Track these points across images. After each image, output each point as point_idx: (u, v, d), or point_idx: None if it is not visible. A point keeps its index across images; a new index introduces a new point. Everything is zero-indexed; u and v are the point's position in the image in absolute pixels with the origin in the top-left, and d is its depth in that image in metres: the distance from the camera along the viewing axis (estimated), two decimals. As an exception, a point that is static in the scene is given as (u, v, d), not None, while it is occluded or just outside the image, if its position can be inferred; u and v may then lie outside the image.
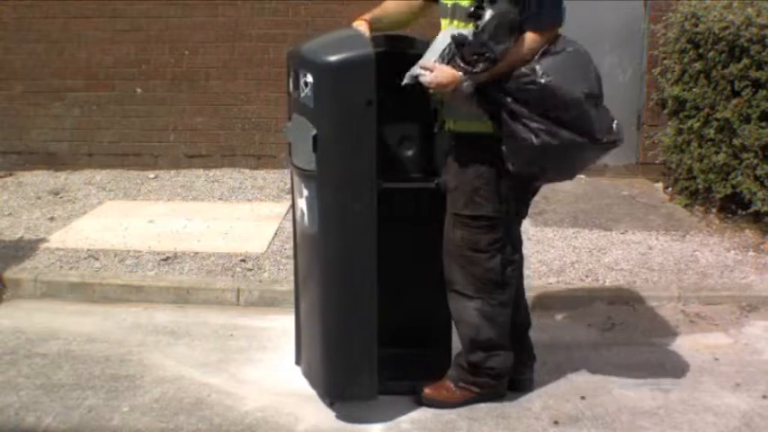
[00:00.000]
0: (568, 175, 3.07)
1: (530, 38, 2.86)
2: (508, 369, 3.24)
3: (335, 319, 3.01)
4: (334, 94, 2.85)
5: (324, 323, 3.04)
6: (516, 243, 3.20)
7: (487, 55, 2.76)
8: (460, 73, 2.81)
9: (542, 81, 2.80)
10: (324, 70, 2.85)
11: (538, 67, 2.81)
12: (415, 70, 2.85)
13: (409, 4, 3.20)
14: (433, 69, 2.84)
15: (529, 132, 2.81)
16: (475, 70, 2.78)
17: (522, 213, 3.19)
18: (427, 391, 3.24)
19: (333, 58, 2.83)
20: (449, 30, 2.94)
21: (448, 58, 2.84)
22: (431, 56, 2.87)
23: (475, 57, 2.77)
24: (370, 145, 2.86)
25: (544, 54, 2.85)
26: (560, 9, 2.92)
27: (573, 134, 2.82)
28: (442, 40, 2.91)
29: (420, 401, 3.23)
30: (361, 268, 2.95)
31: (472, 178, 3.01)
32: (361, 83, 2.81)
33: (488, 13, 2.75)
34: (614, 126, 2.89)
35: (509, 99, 2.83)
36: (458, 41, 2.79)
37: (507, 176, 2.97)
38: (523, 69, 2.82)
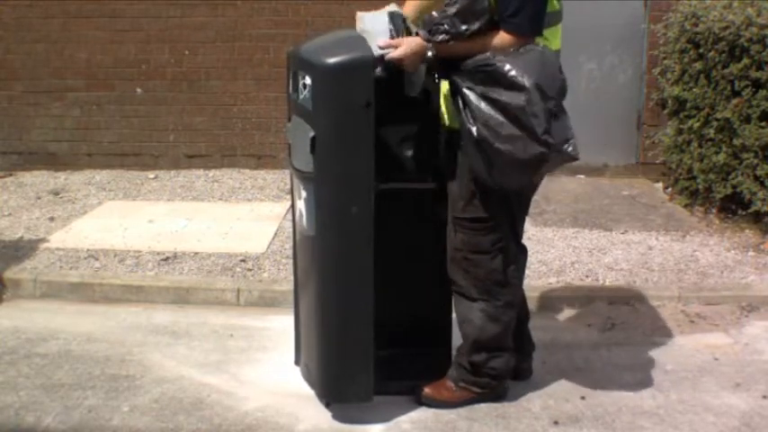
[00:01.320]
0: (515, 180, 2.89)
1: (503, 37, 2.85)
2: (509, 370, 3.25)
3: (332, 320, 3.01)
4: (332, 95, 2.84)
5: (321, 324, 3.04)
6: (519, 242, 3.19)
7: (448, 28, 2.82)
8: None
9: (495, 62, 2.79)
10: (322, 72, 2.84)
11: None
12: (379, 51, 2.88)
13: None
14: (398, 45, 2.89)
15: (473, 123, 2.79)
16: (436, 39, 2.83)
17: (523, 212, 3.18)
18: (427, 390, 3.24)
19: (331, 60, 2.82)
20: (380, 11, 3.00)
21: (403, 33, 2.93)
22: (381, 36, 2.93)
23: (437, 27, 2.83)
24: (368, 147, 2.86)
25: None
26: (541, 20, 2.90)
27: (514, 127, 2.74)
28: (374, 19, 2.98)
29: (419, 401, 3.24)
30: (358, 269, 2.95)
31: (468, 181, 3.00)
32: (360, 85, 2.80)
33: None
34: (570, 142, 2.79)
35: (462, 78, 2.84)
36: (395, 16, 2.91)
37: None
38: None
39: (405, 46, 2.89)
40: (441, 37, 2.84)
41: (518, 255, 3.18)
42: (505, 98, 2.75)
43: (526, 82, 2.73)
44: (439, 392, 3.24)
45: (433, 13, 2.90)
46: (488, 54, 2.82)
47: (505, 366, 3.21)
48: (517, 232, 3.17)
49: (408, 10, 3.17)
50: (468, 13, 2.82)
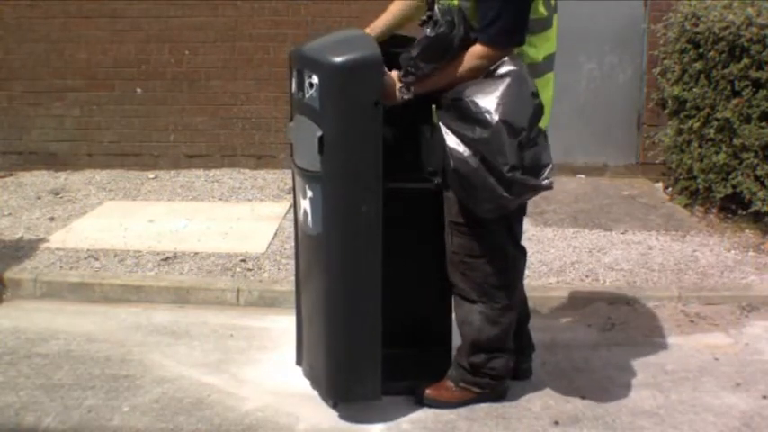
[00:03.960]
0: (488, 212, 2.90)
1: (476, 52, 2.82)
2: (509, 371, 3.25)
3: (339, 320, 3.01)
4: (341, 94, 2.84)
5: (327, 324, 3.04)
6: (517, 244, 3.18)
7: (413, 71, 2.84)
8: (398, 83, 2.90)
9: (463, 97, 2.79)
10: (331, 71, 2.84)
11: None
12: None
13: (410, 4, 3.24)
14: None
15: (449, 156, 2.83)
16: (406, 80, 2.87)
17: (520, 214, 3.17)
18: (427, 391, 3.24)
19: (340, 59, 2.82)
20: None
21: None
22: None
23: (408, 69, 2.86)
24: (376, 146, 2.86)
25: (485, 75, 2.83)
26: (520, 30, 2.83)
27: (474, 158, 2.77)
28: None
29: (420, 402, 3.24)
30: (365, 269, 2.95)
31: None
32: (369, 83, 2.80)
33: (426, 32, 2.82)
34: (545, 170, 2.78)
35: (439, 111, 2.91)
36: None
37: None
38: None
39: (385, 78, 2.89)
40: (409, 78, 2.85)
41: (516, 257, 3.17)
42: (471, 134, 2.78)
43: (492, 118, 2.73)
44: (439, 393, 3.24)
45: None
46: (460, 87, 2.82)
47: (505, 367, 3.21)
48: (515, 234, 3.16)
49: (375, 28, 3.20)
50: (431, 53, 2.82)
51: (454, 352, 3.38)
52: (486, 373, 3.19)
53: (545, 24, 2.96)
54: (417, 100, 3.04)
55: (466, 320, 3.16)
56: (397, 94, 2.90)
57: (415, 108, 3.10)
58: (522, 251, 3.24)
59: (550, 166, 2.79)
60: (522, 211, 3.17)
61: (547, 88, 3.04)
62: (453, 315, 3.31)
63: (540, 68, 2.98)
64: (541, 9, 2.91)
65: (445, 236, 3.14)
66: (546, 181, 2.77)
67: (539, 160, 2.77)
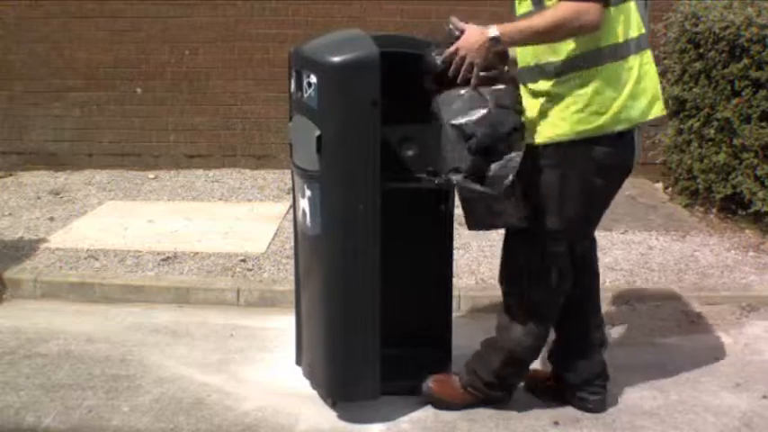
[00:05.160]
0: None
1: (560, 7, 2.61)
2: (515, 384, 3.20)
3: (338, 320, 3.01)
4: (339, 94, 2.84)
5: (327, 323, 3.04)
6: (588, 260, 3.12)
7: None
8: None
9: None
10: (329, 71, 2.84)
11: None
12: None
13: None
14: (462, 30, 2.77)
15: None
16: (496, 32, 2.72)
17: (591, 229, 3.06)
18: (432, 385, 3.21)
19: (338, 59, 2.82)
20: None
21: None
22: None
23: None
24: (374, 145, 2.86)
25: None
26: None
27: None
28: None
29: (422, 394, 3.20)
30: (364, 268, 2.95)
31: (536, 191, 2.86)
32: (367, 83, 2.80)
33: None
34: (489, 178, 2.75)
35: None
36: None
37: (576, 191, 2.84)
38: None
39: (461, 38, 2.74)
40: (499, 29, 2.68)
41: (570, 274, 3.02)
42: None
43: (447, 118, 2.75)
44: (444, 390, 3.20)
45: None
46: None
47: (521, 379, 3.19)
48: (574, 249, 3.04)
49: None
50: None
51: (454, 351, 3.38)
52: (503, 387, 3.13)
53: None
54: (417, 98, 3.04)
55: (507, 327, 3.05)
56: (485, 42, 2.70)
57: (415, 107, 3.10)
58: (583, 268, 3.14)
59: (510, 177, 2.74)
60: (592, 229, 3.07)
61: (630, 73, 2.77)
62: (453, 314, 3.30)
63: (619, 49, 2.75)
64: None
65: (506, 238, 3.04)
66: (491, 189, 2.74)
67: (504, 171, 2.75)
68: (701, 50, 5.43)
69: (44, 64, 6.69)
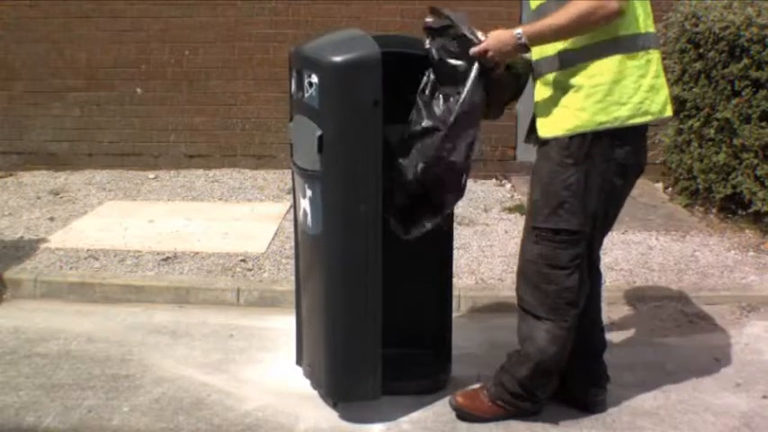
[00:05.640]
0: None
1: (577, 5, 2.63)
2: (549, 394, 3.12)
3: (339, 320, 3.01)
4: (340, 94, 2.84)
5: (327, 324, 3.04)
6: (594, 261, 3.05)
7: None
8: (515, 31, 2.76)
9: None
10: (330, 70, 2.84)
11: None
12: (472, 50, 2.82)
13: None
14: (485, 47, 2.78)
15: None
16: (522, 30, 2.76)
17: (607, 228, 2.99)
18: (460, 399, 3.14)
19: (339, 59, 2.82)
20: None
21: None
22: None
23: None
24: (376, 145, 2.86)
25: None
26: None
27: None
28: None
29: (453, 409, 3.14)
30: (365, 268, 2.95)
31: (560, 189, 2.81)
32: (368, 83, 2.80)
33: None
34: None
35: None
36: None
37: (598, 190, 2.81)
38: None
39: (491, 38, 2.76)
40: (525, 28, 2.71)
41: (589, 275, 2.98)
42: None
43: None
44: (474, 404, 3.12)
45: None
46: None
47: (550, 391, 3.09)
48: (593, 250, 2.99)
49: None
50: None
51: (454, 351, 3.38)
52: (529, 398, 3.06)
53: None
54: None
55: (530, 337, 2.97)
56: (514, 44, 2.74)
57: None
58: (596, 271, 3.13)
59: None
60: (607, 225, 2.98)
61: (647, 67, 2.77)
62: (453, 314, 3.30)
63: (630, 43, 2.74)
64: None
65: (522, 245, 2.99)
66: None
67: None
68: (701, 50, 5.43)
69: (44, 64, 6.70)
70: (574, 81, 2.77)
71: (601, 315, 3.28)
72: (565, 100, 2.80)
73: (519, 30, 2.75)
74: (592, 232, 2.89)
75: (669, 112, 2.87)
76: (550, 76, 2.83)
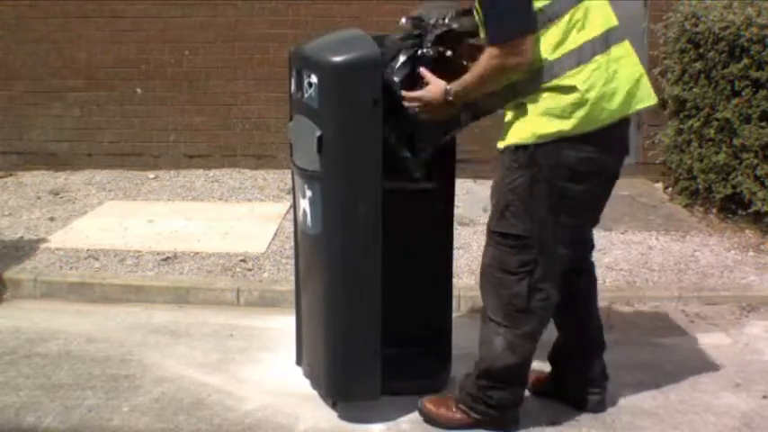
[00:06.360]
0: None
1: (486, 54, 2.71)
2: (513, 405, 3.04)
3: (339, 320, 3.01)
4: (339, 94, 2.84)
5: (327, 324, 3.04)
6: (551, 273, 2.88)
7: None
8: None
9: None
10: (330, 70, 2.84)
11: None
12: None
13: None
14: (420, 96, 2.88)
15: None
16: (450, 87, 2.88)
17: (561, 239, 2.86)
18: (427, 404, 3.13)
19: (339, 59, 2.82)
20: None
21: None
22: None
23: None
24: (375, 145, 2.86)
25: None
26: (512, 20, 2.65)
27: None
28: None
29: (419, 410, 3.15)
30: (365, 268, 2.95)
31: (506, 192, 2.82)
32: (368, 83, 2.80)
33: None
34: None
35: None
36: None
37: (544, 195, 2.78)
38: None
39: (426, 91, 2.87)
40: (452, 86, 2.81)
41: (545, 285, 2.88)
42: None
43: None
44: (438, 410, 3.10)
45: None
46: None
47: (507, 400, 3.00)
48: (553, 262, 2.87)
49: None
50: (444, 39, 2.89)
51: (454, 351, 3.38)
52: (483, 401, 3.01)
53: (565, 3, 2.71)
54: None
55: (487, 341, 2.95)
56: (443, 101, 2.84)
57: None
58: (578, 271, 3.10)
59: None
60: (565, 236, 2.88)
61: (597, 75, 2.73)
62: (454, 313, 3.29)
63: (577, 54, 2.72)
64: None
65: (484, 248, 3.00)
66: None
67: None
68: (701, 50, 5.43)
69: (44, 64, 6.69)
70: (522, 100, 2.79)
71: (597, 315, 3.24)
72: (512, 116, 2.83)
73: (450, 85, 2.83)
74: (541, 238, 2.83)
75: (634, 109, 2.83)
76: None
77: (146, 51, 6.65)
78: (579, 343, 3.17)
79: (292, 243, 3.46)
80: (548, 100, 2.73)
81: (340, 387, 3.12)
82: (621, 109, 2.79)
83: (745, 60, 5.13)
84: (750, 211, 5.21)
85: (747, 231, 5.23)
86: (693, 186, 5.68)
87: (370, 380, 3.04)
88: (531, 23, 2.68)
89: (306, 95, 2.95)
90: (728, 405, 3.29)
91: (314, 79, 2.88)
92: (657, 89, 6.10)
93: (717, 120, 5.34)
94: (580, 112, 2.71)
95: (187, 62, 6.65)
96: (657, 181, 6.36)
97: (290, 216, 3.68)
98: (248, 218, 5.49)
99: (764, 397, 3.36)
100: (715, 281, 4.48)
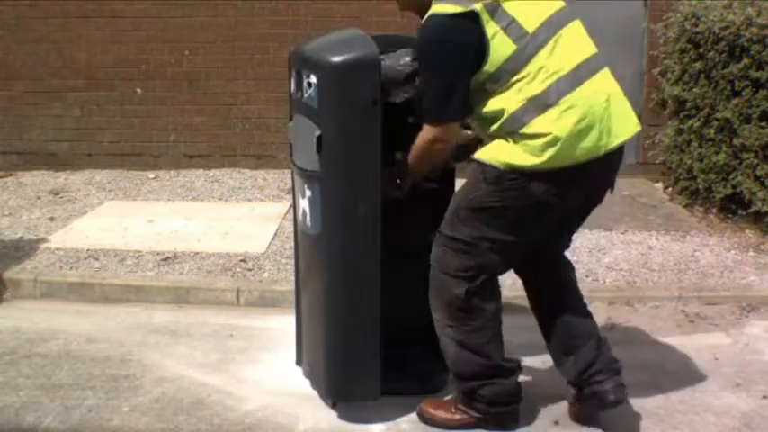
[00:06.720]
0: None
1: (422, 131, 2.81)
2: (508, 397, 3.01)
3: (339, 320, 3.01)
4: (339, 94, 2.84)
5: (327, 324, 3.04)
6: (491, 281, 2.92)
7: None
8: None
9: None
10: (329, 71, 2.84)
11: None
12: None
13: None
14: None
15: None
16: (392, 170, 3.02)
17: (505, 253, 2.86)
18: (427, 407, 3.13)
19: (338, 59, 2.82)
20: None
21: None
22: None
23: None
24: (374, 145, 2.86)
25: None
26: (449, 105, 2.71)
27: None
28: None
29: (418, 414, 3.14)
30: (364, 268, 2.95)
31: (464, 200, 2.86)
32: (367, 83, 2.80)
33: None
34: None
35: None
36: None
37: (498, 213, 2.79)
38: None
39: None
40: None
41: (487, 293, 2.91)
42: None
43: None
44: (437, 412, 3.09)
45: None
46: None
47: (503, 391, 2.97)
48: (491, 276, 2.91)
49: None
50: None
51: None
52: (477, 399, 2.99)
53: (526, 53, 2.69)
54: (417, 98, 3.04)
55: (443, 348, 2.98)
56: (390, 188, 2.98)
57: (414, 107, 3.10)
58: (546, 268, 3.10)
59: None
60: (506, 260, 2.91)
61: (567, 115, 2.70)
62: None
63: (543, 98, 2.70)
64: (506, 45, 2.67)
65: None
66: None
67: None
68: (701, 50, 5.43)
69: (44, 64, 6.69)
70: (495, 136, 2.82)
71: (583, 303, 3.15)
72: (489, 138, 2.83)
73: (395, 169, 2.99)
74: (485, 248, 2.83)
75: (616, 143, 2.79)
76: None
77: (146, 51, 6.65)
78: (566, 335, 3.07)
79: (292, 243, 3.46)
80: (519, 142, 2.73)
81: (340, 387, 3.12)
82: (598, 146, 2.76)
83: (745, 60, 5.13)
84: (750, 211, 5.21)
85: (747, 231, 5.23)
86: (693, 186, 5.68)
87: (370, 380, 3.04)
88: (461, 112, 2.77)
89: (305, 95, 2.95)
90: (728, 405, 3.29)
91: (314, 79, 2.88)
92: (657, 89, 6.15)
93: (717, 120, 5.34)
94: (551, 151, 2.70)
95: (187, 62, 6.65)
96: (657, 181, 6.36)
97: (290, 216, 3.67)
98: (248, 218, 5.49)
99: (764, 397, 3.36)
100: (715, 281, 4.48)
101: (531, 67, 2.69)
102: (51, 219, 5.45)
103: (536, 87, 2.69)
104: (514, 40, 2.69)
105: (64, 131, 6.77)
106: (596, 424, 3.03)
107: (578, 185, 2.83)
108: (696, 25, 5.49)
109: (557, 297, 3.13)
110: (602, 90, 2.80)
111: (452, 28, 2.67)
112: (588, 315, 3.15)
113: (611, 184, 2.99)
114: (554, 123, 2.67)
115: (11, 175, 6.61)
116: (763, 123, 5.10)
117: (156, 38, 6.63)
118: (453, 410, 3.07)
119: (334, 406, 3.20)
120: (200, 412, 3.22)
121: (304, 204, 3.06)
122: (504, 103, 2.71)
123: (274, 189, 6.17)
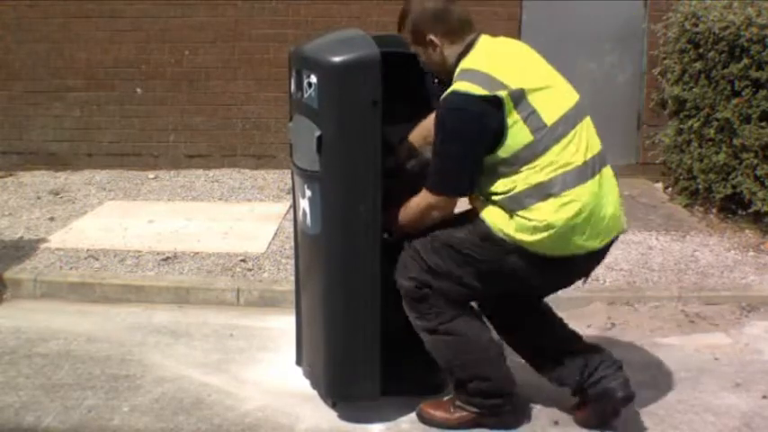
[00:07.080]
0: None
1: (421, 193, 2.85)
2: (500, 388, 3.01)
3: (338, 320, 3.01)
4: (339, 94, 2.84)
5: (327, 324, 3.04)
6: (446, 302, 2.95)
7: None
8: None
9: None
10: (329, 71, 2.84)
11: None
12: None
13: None
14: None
15: None
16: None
17: (459, 294, 2.92)
18: (426, 407, 3.14)
19: (338, 59, 2.82)
20: None
21: None
22: None
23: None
24: (375, 145, 2.86)
25: None
26: (457, 180, 2.76)
27: None
28: None
29: (417, 415, 3.15)
30: (364, 269, 2.94)
31: (448, 230, 2.88)
32: (367, 83, 2.80)
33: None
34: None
35: None
36: None
37: (471, 261, 2.84)
38: None
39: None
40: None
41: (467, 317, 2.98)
42: None
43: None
44: (435, 412, 3.11)
45: None
46: None
47: (495, 380, 2.98)
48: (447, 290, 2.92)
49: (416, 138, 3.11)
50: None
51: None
52: (472, 393, 3.00)
53: (542, 145, 2.72)
54: (417, 99, 3.05)
55: (426, 344, 3.01)
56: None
57: (414, 108, 3.10)
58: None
59: None
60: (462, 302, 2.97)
61: (565, 209, 2.73)
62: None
63: (548, 187, 2.73)
64: (524, 134, 2.70)
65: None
66: None
67: None
68: (701, 50, 5.43)
69: (44, 64, 6.70)
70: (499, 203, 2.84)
71: (551, 311, 3.19)
72: (488, 203, 2.84)
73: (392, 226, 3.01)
74: (445, 279, 2.88)
75: (602, 243, 2.84)
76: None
77: (146, 51, 6.65)
78: (554, 342, 3.10)
79: (292, 243, 3.46)
80: (515, 218, 2.76)
81: (339, 387, 3.12)
82: (584, 245, 2.80)
83: (745, 60, 5.14)
84: (750, 211, 5.21)
85: (747, 231, 5.23)
86: (693, 186, 5.69)
87: (370, 380, 3.04)
88: (466, 189, 2.81)
89: (305, 95, 2.95)
90: (728, 405, 3.29)
91: (314, 79, 2.88)
92: (657, 89, 6.15)
93: (717, 120, 5.35)
94: (541, 235, 2.74)
95: (187, 62, 6.65)
96: (657, 181, 6.36)
97: (290, 216, 3.67)
98: (248, 218, 5.49)
99: (764, 397, 3.36)
100: (715, 281, 4.48)
101: (544, 159, 2.73)
102: (51, 219, 5.45)
103: (543, 176, 2.74)
104: (533, 131, 2.72)
105: (64, 131, 6.77)
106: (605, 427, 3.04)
107: (554, 273, 2.89)
108: (696, 25, 5.50)
109: (536, 327, 3.15)
110: (603, 193, 2.84)
111: (476, 108, 2.68)
112: (569, 327, 3.19)
113: (586, 274, 3.06)
114: (552, 213, 2.72)
115: (11, 175, 6.61)
116: (763, 123, 5.11)
117: (156, 38, 6.63)
118: (452, 410, 3.08)
119: (334, 406, 3.20)
120: (201, 412, 3.22)
121: (304, 204, 3.05)
122: (510, 185, 2.76)
123: (274, 189, 6.17)
